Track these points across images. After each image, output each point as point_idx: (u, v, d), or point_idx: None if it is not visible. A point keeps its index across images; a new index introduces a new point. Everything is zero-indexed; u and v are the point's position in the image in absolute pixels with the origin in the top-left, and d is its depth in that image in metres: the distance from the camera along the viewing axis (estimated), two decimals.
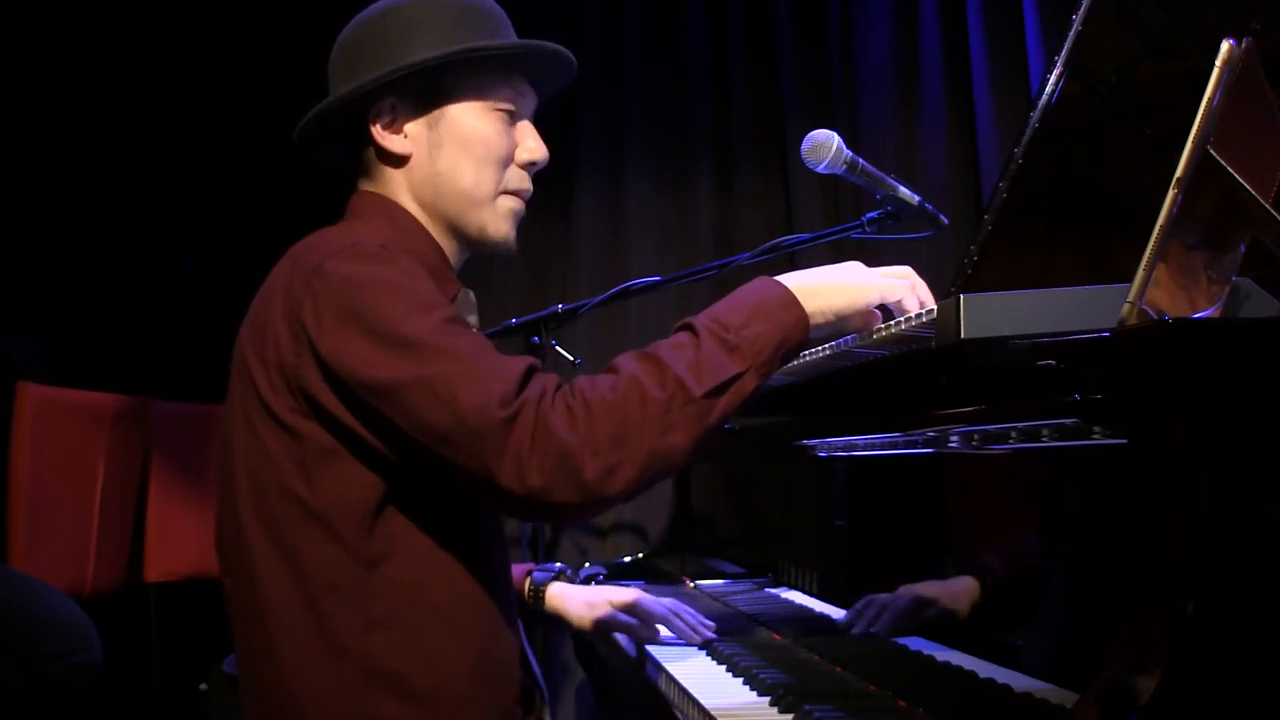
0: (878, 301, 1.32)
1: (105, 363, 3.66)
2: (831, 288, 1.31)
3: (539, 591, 1.83)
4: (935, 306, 1.21)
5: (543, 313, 2.20)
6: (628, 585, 1.96)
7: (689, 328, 1.27)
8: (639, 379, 1.21)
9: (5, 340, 3.25)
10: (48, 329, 3.52)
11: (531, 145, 1.47)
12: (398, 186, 1.45)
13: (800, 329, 1.29)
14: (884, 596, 1.46)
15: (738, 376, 1.23)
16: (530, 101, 1.50)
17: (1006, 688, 1.11)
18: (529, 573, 1.84)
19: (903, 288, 1.33)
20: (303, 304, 1.26)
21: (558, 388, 1.22)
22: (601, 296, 2.14)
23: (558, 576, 1.85)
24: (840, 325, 1.33)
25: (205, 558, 3.30)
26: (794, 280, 1.31)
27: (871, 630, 1.46)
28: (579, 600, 1.82)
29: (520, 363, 1.23)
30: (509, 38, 1.47)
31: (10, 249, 3.51)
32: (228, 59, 3.95)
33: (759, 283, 1.31)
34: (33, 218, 3.63)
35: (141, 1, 3.83)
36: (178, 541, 3.25)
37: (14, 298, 3.50)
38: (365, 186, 1.47)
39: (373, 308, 1.24)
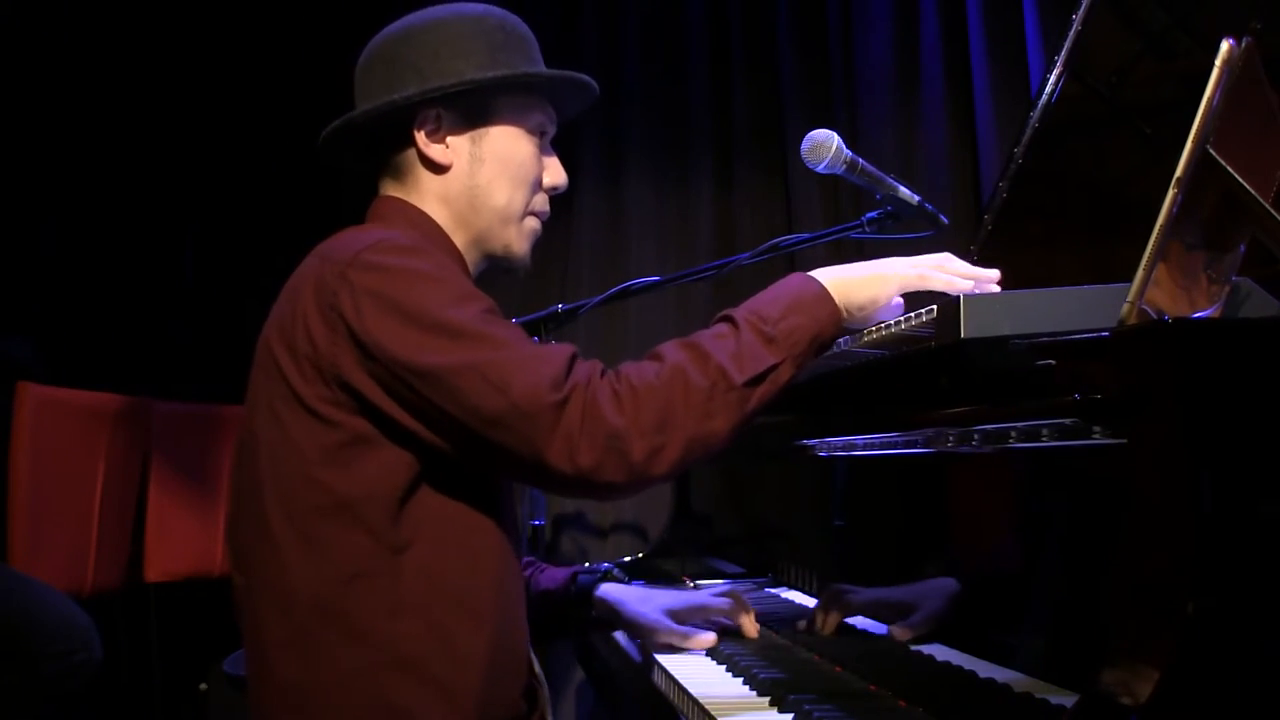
0: (898, 291, 1.38)
1: (105, 363, 3.66)
2: (860, 282, 1.38)
3: (586, 592, 1.77)
4: (935, 306, 1.21)
5: (543, 313, 2.20)
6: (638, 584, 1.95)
7: (729, 319, 1.34)
8: (683, 366, 1.27)
9: (5, 340, 3.25)
10: (48, 329, 3.52)
11: (556, 170, 1.55)
12: (428, 193, 1.49)
13: (834, 322, 1.36)
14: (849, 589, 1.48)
15: (774, 367, 1.30)
16: (554, 128, 1.56)
17: (1006, 688, 1.11)
18: (573, 575, 1.80)
19: (936, 279, 1.37)
20: (339, 294, 1.29)
21: (603, 372, 1.27)
22: (601, 296, 2.13)
23: (606, 575, 1.81)
24: (870, 318, 1.39)
25: (205, 558, 3.33)
26: (827, 276, 1.38)
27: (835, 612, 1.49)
28: (635, 599, 1.75)
29: (565, 349, 1.29)
30: (542, 63, 1.53)
31: (11, 249, 3.51)
32: (230, 61, 3.95)
33: (796, 278, 1.38)
34: (34, 218, 3.63)
35: (144, 4, 3.84)
36: (178, 541, 3.25)
37: (14, 298, 3.50)
38: (391, 191, 1.51)
39: (414, 296, 1.28)
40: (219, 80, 3.95)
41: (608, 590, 1.77)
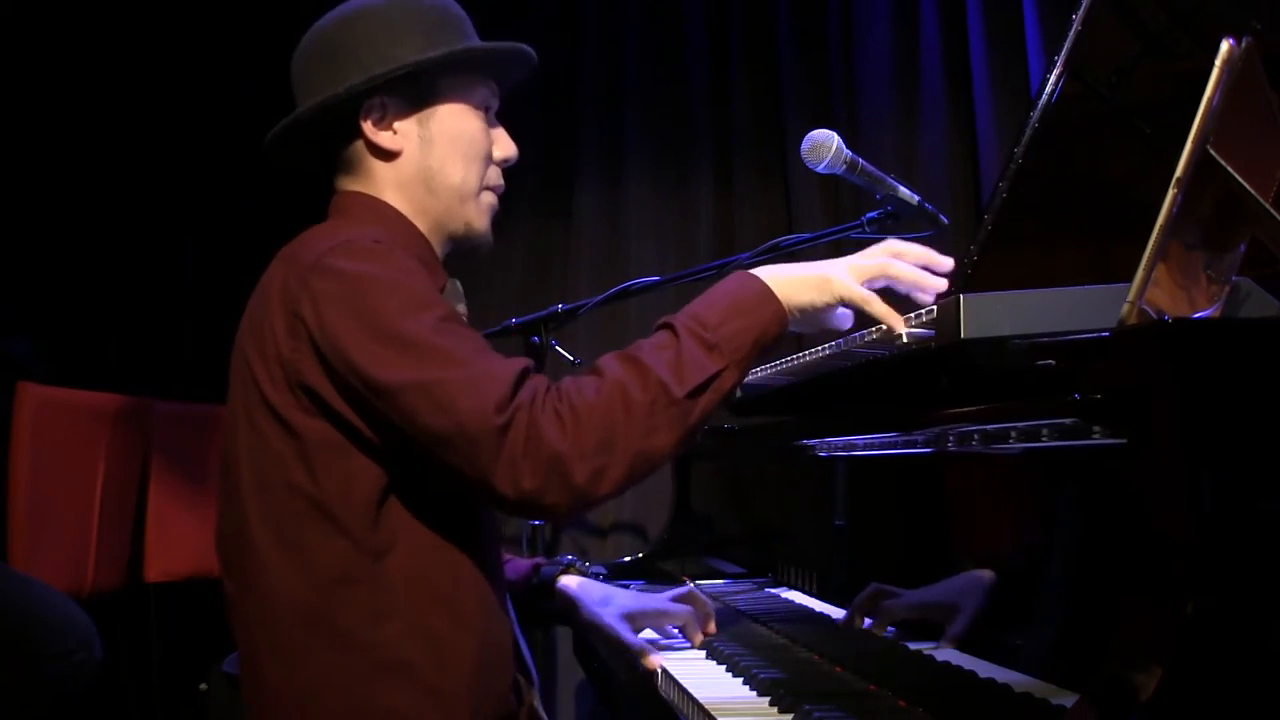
0: (840, 298, 1.32)
1: (105, 363, 3.66)
2: (801, 282, 1.33)
3: (547, 584, 1.76)
4: (935, 306, 1.21)
5: (543, 313, 2.20)
6: (626, 585, 1.95)
7: (669, 327, 1.30)
8: (622, 382, 1.25)
9: (5, 340, 3.25)
10: (48, 329, 3.52)
11: (505, 142, 1.54)
12: (384, 183, 1.48)
13: (778, 322, 1.31)
14: (892, 590, 1.46)
15: (717, 375, 1.27)
16: (498, 101, 1.55)
17: (1006, 688, 1.11)
18: (536, 567, 1.80)
19: (875, 284, 1.33)
20: (300, 300, 1.29)
21: (547, 390, 1.25)
22: (601, 296, 2.14)
23: (567, 569, 1.80)
24: (816, 318, 1.35)
25: (205, 558, 3.31)
26: (768, 273, 1.34)
27: (870, 622, 1.47)
28: (595, 597, 1.74)
29: (514, 365, 1.27)
30: (478, 39, 1.51)
31: (11, 249, 3.51)
32: (230, 61, 3.95)
33: (735, 278, 1.34)
34: (33, 217, 3.63)
35: (144, 4, 3.84)
36: (178, 541, 3.25)
37: (14, 298, 3.50)
38: (347, 185, 1.50)
39: (372, 305, 1.27)
40: (219, 80, 3.94)
41: (568, 584, 1.75)
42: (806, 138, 1.77)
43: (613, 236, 3.77)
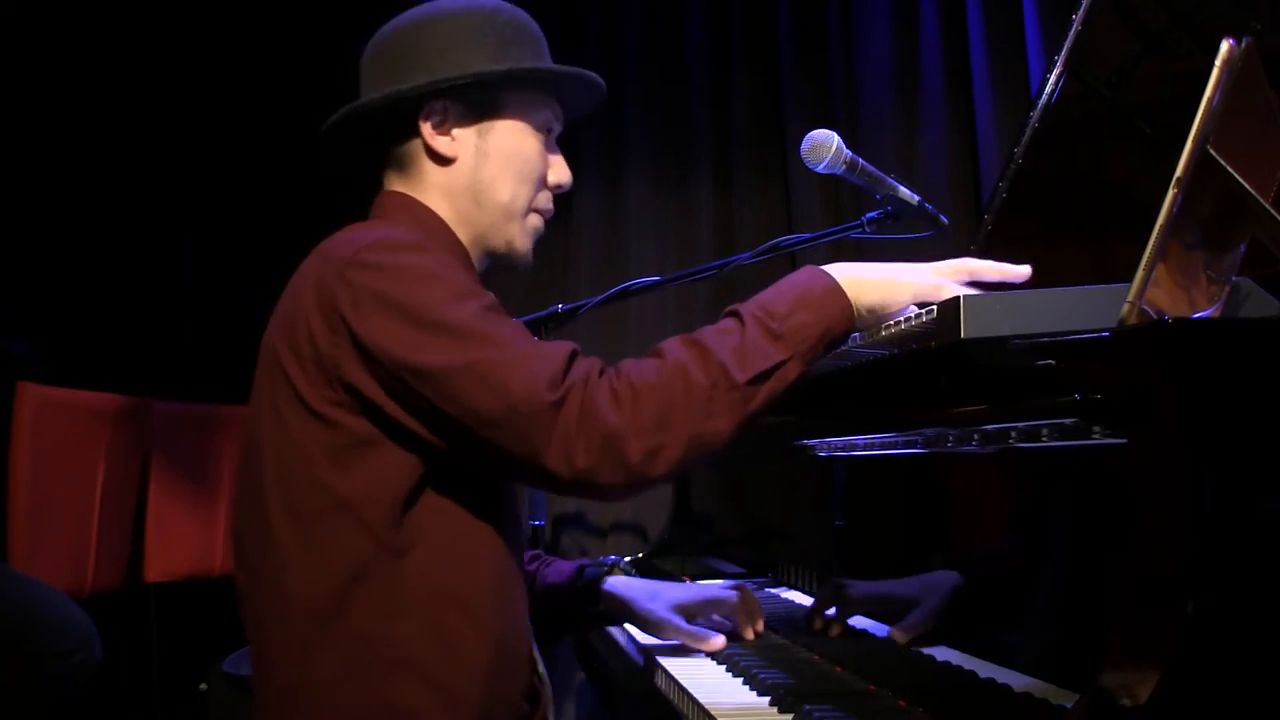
0: (911, 300, 1.32)
1: (105, 363, 3.66)
2: (873, 284, 1.33)
3: (592, 586, 1.75)
4: (935, 306, 1.21)
5: (543, 313, 2.20)
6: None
7: (735, 314, 1.30)
8: (684, 364, 1.25)
9: (5, 340, 3.25)
10: (48, 329, 3.52)
11: (561, 169, 1.54)
12: (433, 187, 1.48)
13: (844, 319, 1.31)
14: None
15: (781, 364, 1.27)
16: (560, 126, 1.55)
17: (1006, 688, 1.11)
18: (580, 569, 1.78)
19: (953, 292, 1.30)
20: (338, 294, 1.28)
21: (601, 371, 1.25)
22: (601, 296, 2.13)
23: (612, 569, 1.79)
24: (884, 318, 1.34)
25: (205, 558, 3.33)
26: (840, 271, 1.33)
27: (838, 608, 1.47)
28: (644, 593, 1.73)
29: (564, 347, 1.27)
30: (550, 60, 1.51)
31: (11, 249, 3.51)
32: (230, 61, 3.95)
33: (807, 271, 1.34)
34: (34, 217, 3.63)
35: (144, 4, 3.84)
36: (178, 541, 3.25)
37: (14, 298, 3.50)
38: (396, 186, 1.50)
39: (413, 295, 1.27)
40: (219, 80, 3.95)
41: (615, 584, 1.75)
42: (806, 138, 1.77)
43: (613, 236, 3.77)
